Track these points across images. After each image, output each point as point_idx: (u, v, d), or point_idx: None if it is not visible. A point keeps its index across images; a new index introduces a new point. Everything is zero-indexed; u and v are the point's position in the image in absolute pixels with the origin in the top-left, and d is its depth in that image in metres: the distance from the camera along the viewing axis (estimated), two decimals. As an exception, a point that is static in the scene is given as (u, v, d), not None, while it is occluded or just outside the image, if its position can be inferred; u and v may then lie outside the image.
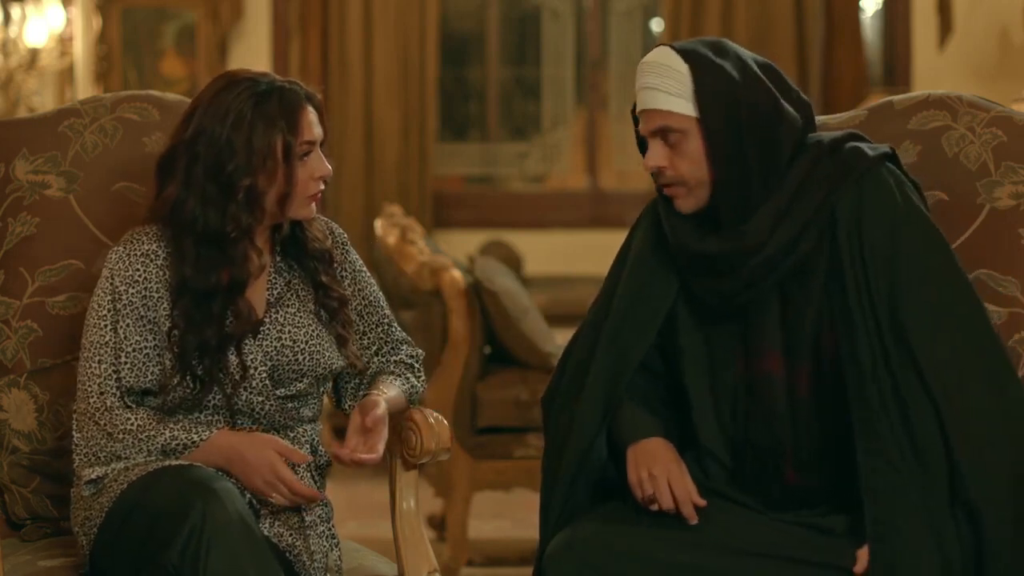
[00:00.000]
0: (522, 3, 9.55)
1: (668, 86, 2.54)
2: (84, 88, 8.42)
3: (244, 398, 2.62)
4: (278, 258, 2.71)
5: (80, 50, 8.44)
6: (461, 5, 9.54)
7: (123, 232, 2.84)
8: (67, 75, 8.35)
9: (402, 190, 8.69)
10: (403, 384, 2.76)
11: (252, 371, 2.61)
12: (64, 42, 8.06)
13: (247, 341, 2.62)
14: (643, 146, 2.62)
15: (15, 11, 7.70)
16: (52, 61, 7.93)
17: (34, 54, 7.75)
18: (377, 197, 8.54)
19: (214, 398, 2.61)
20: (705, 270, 2.58)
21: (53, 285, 2.90)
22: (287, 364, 2.65)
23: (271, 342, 2.64)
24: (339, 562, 2.66)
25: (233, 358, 2.60)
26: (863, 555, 2.43)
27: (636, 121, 2.63)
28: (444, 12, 9.11)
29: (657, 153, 2.56)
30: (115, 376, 2.58)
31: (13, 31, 7.69)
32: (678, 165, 2.55)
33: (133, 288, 2.60)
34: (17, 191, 2.92)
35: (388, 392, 2.70)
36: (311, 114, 2.63)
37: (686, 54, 2.55)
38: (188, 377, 2.58)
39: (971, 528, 2.41)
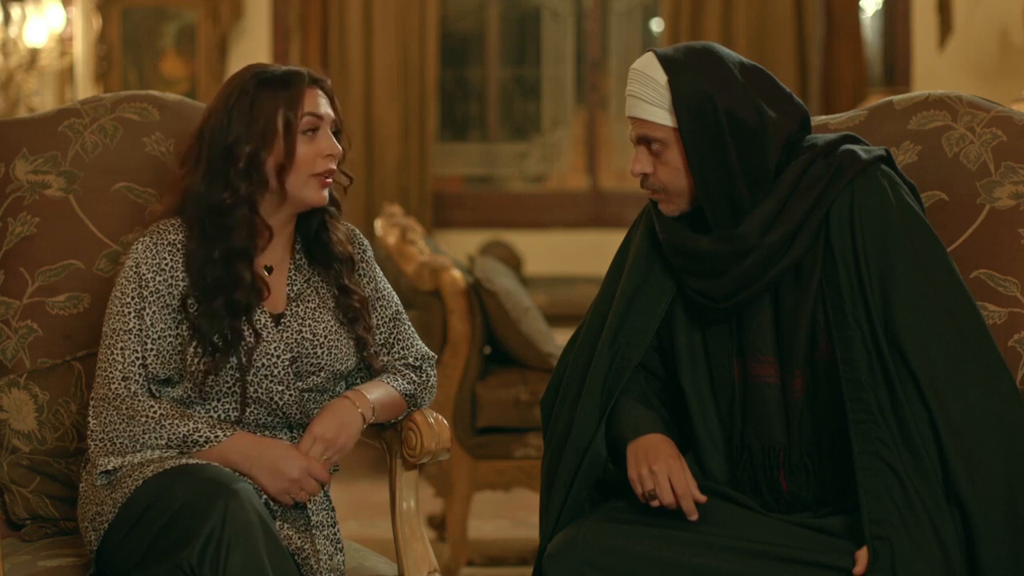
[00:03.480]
0: (522, 3, 9.55)
1: (648, 95, 2.54)
2: (84, 88, 8.42)
3: (265, 387, 2.63)
4: (299, 256, 2.75)
5: (80, 50, 8.44)
6: (461, 5, 9.54)
7: (123, 232, 2.86)
8: (67, 75, 8.36)
9: (402, 190, 8.69)
10: (399, 382, 2.76)
11: (275, 359, 2.64)
12: (64, 42, 8.06)
13: (267, 330, 2.64)
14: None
15: (15, 11, 7.70)
16: (52, 61, 7.94)
17: (34, 54, 7.75)
18: (377, 197, 8.54)
19: (229, 381, 2.61)
20: (698, 271, 2.58)
21: (53, 285, 2.89)
22: (307, 356, 2.67)
23: (292, 334, 2.67)
24: (342, 566, 2.66)
25: (246, 326, 2.63)
26: (862, 556, 2.43)
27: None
28: (444, 12, 9.11)
29: (641, 160, 2.57)
30: (140, 363, 2.60)
31: (13, 31, 7.69)
32: (660, 172, 2.56)
33: (160, 276, 2.63)
34: (17, 191, 2.92)
35: (371, 394, 2.70)
36: (317, 95, 2.71)
37: (666, 62, 2.55)
38: (205, 345, 2.60)
39: (965, 527, 2.41)
